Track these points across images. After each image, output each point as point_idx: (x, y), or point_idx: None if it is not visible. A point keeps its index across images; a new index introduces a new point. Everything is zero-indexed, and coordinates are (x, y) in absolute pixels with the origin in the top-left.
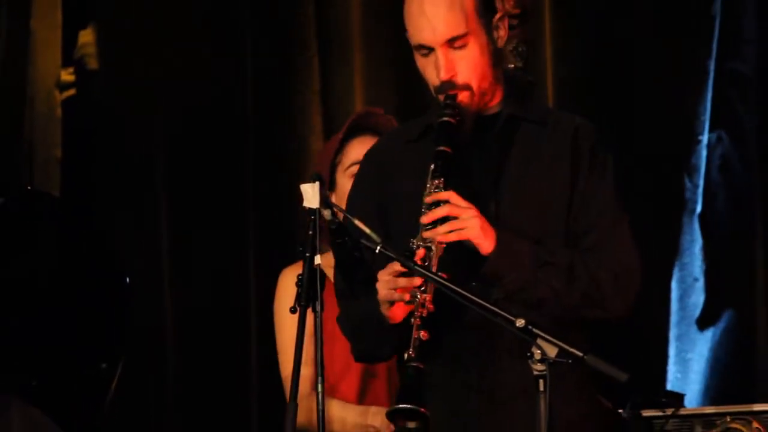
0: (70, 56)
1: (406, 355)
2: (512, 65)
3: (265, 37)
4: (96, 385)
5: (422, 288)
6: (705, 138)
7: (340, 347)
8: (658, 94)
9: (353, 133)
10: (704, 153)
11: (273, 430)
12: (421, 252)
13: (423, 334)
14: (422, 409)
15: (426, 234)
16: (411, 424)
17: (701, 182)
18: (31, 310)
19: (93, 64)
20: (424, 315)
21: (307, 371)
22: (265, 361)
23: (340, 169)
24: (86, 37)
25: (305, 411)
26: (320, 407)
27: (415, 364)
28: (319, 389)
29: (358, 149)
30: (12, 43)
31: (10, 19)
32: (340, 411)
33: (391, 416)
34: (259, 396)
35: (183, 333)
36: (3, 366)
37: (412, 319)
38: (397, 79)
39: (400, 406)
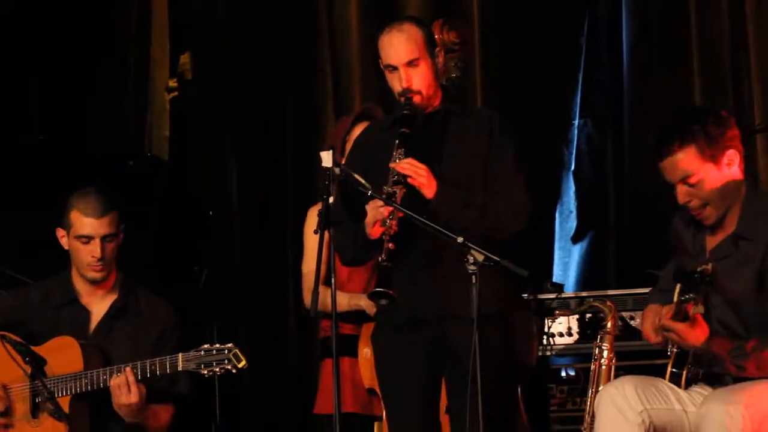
0: (174, 70)
1: (379, 258)
2: (454, 74)
3: (298, 75)
4: (190, 280)
5: (390, 217)
6: (576, 122)
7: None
8: (548, 94)
9: (358, 119)
10: (576, 132)
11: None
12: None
13: (391, 246)
14: (390, 291)
15: (395, 175)
16: (383, 301)
17: (574, 150)
18: (150, 233)
19: (188, 75)
20: (391, 233)
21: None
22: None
23: (349, 142)
24: (185, 59)
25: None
26: (333, 292)
27: (385, 264)
28: (333, 281)
29: (361, 129)
30: (139, 65)
31: (136, 49)
32: (341, 297)
33: (372, 297)
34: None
35: (246, 251)
36: (135, 267)
37: (384, 235)
38: (382, 98)
39: (376, 289)
